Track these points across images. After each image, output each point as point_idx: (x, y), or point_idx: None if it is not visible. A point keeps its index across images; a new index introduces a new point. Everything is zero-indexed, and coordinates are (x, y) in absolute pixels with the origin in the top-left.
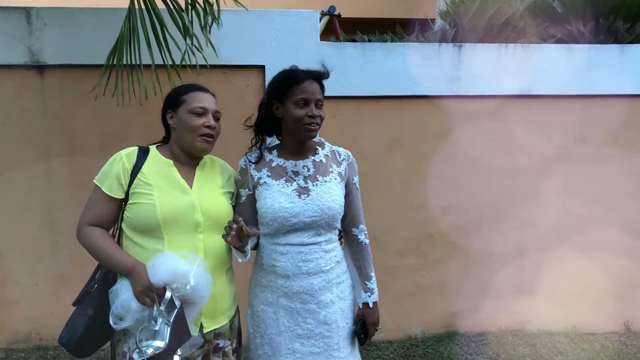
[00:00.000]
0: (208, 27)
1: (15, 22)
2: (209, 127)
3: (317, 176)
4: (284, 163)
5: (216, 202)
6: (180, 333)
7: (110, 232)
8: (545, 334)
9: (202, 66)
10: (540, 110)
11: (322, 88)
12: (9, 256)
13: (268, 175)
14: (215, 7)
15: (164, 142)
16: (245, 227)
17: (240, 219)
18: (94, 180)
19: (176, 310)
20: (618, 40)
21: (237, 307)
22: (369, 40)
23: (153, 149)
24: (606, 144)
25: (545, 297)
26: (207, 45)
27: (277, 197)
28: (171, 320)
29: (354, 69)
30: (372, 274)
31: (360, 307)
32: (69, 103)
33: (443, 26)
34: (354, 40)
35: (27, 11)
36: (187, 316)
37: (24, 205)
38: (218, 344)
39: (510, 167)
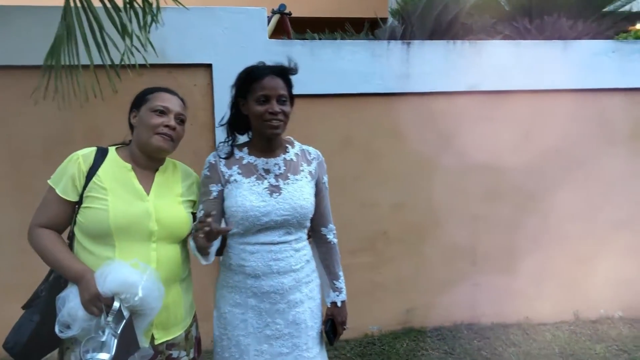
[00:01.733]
0: (147, 27)
1: None
2: (167, 126)
3: (288, 174)
4: (254, 161)
5: (173, 211)
6: (128, 344)
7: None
8: (499, 327)
9: (144, 66)
10: (489, 106)
11: (288, 84)
12: None
13: (239, 173)
14: (154, 5)
15: (126, 145)
16: (214, 225)
17: (213, 212)
18: (48, 181)
19: (124, 321)
20: (562, 36)
21: (195, 316)
22: (319, 39)
23: (112, 150)
24: (552, 138)
25: (499, 290)
26: (147, 44)
27: (248, 196)
28: (118, 332)
29: (303, 67)
30: (341, 272)
31: (329, 306)
32: (7, 106)
33: (392, 24)
34: (304, 39)
35: None
36: (136, 327)
37: None
38: (171, 354)
39: (461, 162)
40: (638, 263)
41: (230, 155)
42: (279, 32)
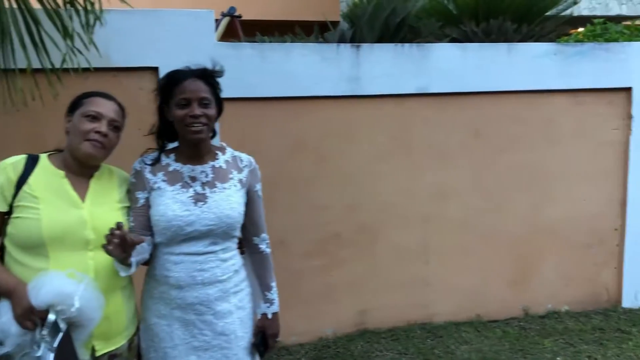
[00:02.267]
0: (90, 27)
1: None
2: (98, 132)
3: (216, 182)
4: (181, 168)
5: (111, 217)
6: (66, 358)
7: None
8: (451, 325)
9: (88, 69)
10: (437, 108)
11: (212, 86)
12: None
13: (163, 180)
14: (97, 5)
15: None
16: (128, 235)
17: (122, 224)
18: None
19: (61, 334)
20: (507, 39)
21: (139, 324)
22: (269, 42)
23: (44, 158)
24: (499, 139)
25: (451, 289)
26: (90, 46)
27: (170, 204)
28: (55, 346)
29: (253, 70)
30: (273, 284)
31: (259, 317)
32: None
33: (342, 27)
34: (254, 42)
35: None
36: (75, 340)
37: None
38: None
39: (412, 164)
40: (579, 259)
41: (156, 162)
42: (229, 34)
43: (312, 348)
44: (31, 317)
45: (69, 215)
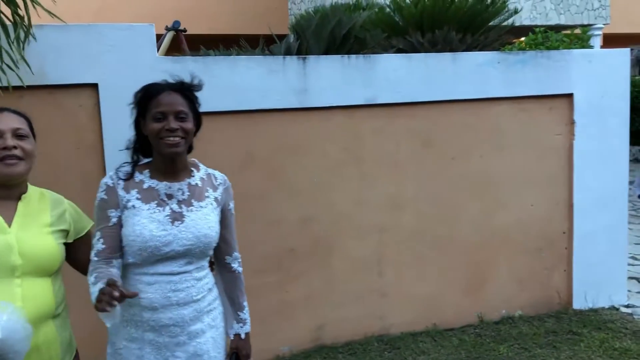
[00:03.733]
0: (20, 42)
1: None
2: (5, 148)
3: (192, 201)
4: (156, 185)
5: (40, 242)
6: None
7: None
8: (408, 336)
9: (21, 87)
10: (386, 118)
11: (190, 99)
12: None
13: (138, 198)
14: (26, 19)
15: None
16: (123, 290)
17: (118, 282)
18: None
19: None
20: (453, 49)
21: (77, 354)
22: (215, 55)
23: None
24: (448, 147)
25: (406, 300)
26: (21, 63)
27: (147, 224)
28: None
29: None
30: (245, 303)
31: (232, 338)
32: None
33: (287, 39)
34: (198, 55)
35: None
36: None
37: None
38: None
39: (364, 175)
40: (531, 263)
41: (129, 178)
42: (174, 49)
43: None
44: None
45: None
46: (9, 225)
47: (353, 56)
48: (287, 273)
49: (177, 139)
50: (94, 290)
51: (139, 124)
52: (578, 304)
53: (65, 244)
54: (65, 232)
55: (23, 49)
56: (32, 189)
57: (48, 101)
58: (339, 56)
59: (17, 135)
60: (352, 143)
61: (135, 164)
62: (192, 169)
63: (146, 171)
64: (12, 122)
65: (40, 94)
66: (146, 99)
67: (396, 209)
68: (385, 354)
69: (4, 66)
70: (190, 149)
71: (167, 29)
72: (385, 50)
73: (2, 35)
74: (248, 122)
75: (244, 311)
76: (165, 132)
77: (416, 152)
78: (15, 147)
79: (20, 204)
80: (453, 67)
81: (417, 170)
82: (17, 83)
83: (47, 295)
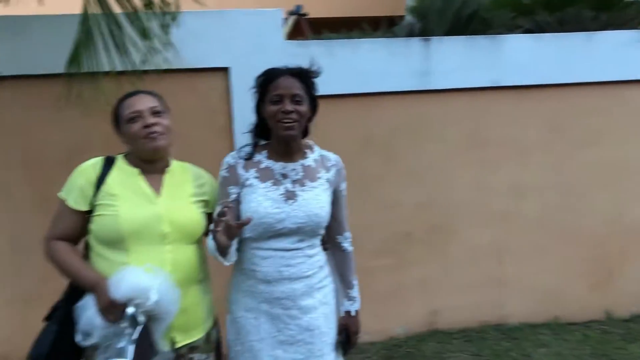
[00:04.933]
0: (167, 29)
1: None
2: (147, 126)
3: (305, 181)
4: (272, 165)
5: (185, 211)
6: (145, 350)
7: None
8: (527, 327)
9: (164, 70)
10: (512, 102)
11: (307, 84)
12: None
13: (255, 177)
14: (173, 5)
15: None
16: (232, 221)
17: (231, 205)
18: (60, 194)
19: (140, 326)
20: (584, 28)
21: (217, 318)
22: (336, 39)
23: (120, 158)
24: (579, 133)
25: (527, 290)
26: (167, 47)
27: (262, 202)
28: (135, 338)
29: (321, 67)
30: (355, 282)
31: (342, 315)
32: (26, 115)
33: (410, 21)
34: (321, 39)
35: None
36: (154, 332)
37: None
38: (193, 357)
39: (485, 160)
40: None
41: (249, 158)
42: (296, 33)
43: (382, 347)
44: (112, 311)
45: (146, 210)
46: (158, 196)
47: (479, 37)
48: (403, 257)
49: (291, 121)
50: (211, 244)
51: (259, 107)
52: None
53: (205, 213)
54: (206, 202)
55: (169, 34)
56: (174, 163)
57: (184, 84)
58: (463, 37)
59: (154, 112)
60: (475, 127)
61: (255, 145)
62: (306, 150)
63: (264, 152)
64: (147, 101)
65: (177, 77)
66: (266, 83)
67: (519, 196)
68: (503, 343)
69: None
70: (305, 132)
71: (289, 14)
72: (510, 31)
73: (154, 20)
74: (367, 104)
75: (354, 289)
76: (281, 114)
77: (543, 138)
78: (155, 124)
79: (166, 177)
80: (587, 47)
81: (544, 156)
82: (162, 66)
83: (192, 261)
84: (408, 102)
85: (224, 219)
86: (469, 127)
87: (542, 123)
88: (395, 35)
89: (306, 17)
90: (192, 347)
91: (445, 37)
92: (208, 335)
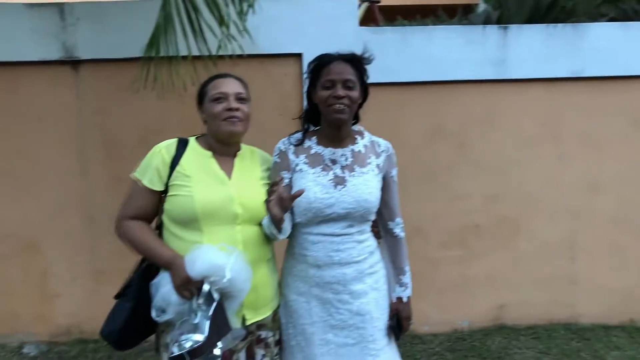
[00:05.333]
0: (243, 15)
1: (49, 18)
2: (230, 109)
3: (355, 166)
4: (322, 151)
5: (255, 193)
6: (220, 326)
7: (153, 224)
8: (599, 328)
9: (239, 55)
10: (592, 93)
11: (359, 70)
12: (48, 251)
13: (305, 162)
14: None
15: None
16: (285, 193)
17: (279, 181)
18: (134, 174)
19: (215, 303)
20: None
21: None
22: (411, 26)
23: (192, 140)
24: None
25: (600, 290)
26: (243, 33)
27: (312, 187)
28: (210, 314)
29: (394, 54)
30: (407, 268)
31: (394, 301)
32: (104, 97)
33: (487, 9)
34: (395, 26)
35: (60, 7)
36: (227, 309)
37: (61, 200)
38: (260, 335)
39: (560, 153)
40: None
41: (299, 144)
42: (367, 20)
43: (446, 339)
44: (188, 288)
45: (218, 192)
46: (229, 178)
47: (559, 25)
48: (470, 249)
49: (342, 106)
50: (265, 220)
51: (310, 93)
52: None
53: None
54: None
55: (245, 20)
56: (244, 147)
57: (258, 70)
58: (543, 25)
59: (239, 98)
60: (551, 118)
61: (305, 131)
62: (357, 136)
63: (314, 138)
64: (235, 86)
65: (252, 63)
66: (318, 68)
67: (595, 192)
68: (573, 343)
69: (229, 37)
70: (356, 118)
71: (362, 1)
72: (593, 19)
73: (231, 6)
74: (440, 92)
75: (406, 275)
76: (333, 99)
77: (624, 131)
78: (237, 109)
79: (237, 160)
80: None
81: (624, 151)
82: (237, 52)
83: (261, 241)
84: (482, 92)
85: (275, 188)
86: (543, 119)
87: (625, 116)
88: (471, 23)
89: (379, 3)
90: (259, 325)
91: (525, 25)
92: (275, 313)
